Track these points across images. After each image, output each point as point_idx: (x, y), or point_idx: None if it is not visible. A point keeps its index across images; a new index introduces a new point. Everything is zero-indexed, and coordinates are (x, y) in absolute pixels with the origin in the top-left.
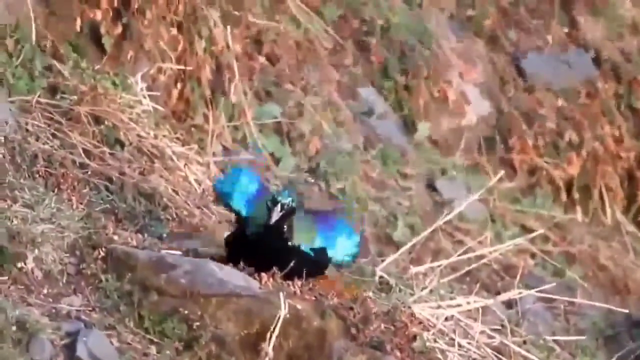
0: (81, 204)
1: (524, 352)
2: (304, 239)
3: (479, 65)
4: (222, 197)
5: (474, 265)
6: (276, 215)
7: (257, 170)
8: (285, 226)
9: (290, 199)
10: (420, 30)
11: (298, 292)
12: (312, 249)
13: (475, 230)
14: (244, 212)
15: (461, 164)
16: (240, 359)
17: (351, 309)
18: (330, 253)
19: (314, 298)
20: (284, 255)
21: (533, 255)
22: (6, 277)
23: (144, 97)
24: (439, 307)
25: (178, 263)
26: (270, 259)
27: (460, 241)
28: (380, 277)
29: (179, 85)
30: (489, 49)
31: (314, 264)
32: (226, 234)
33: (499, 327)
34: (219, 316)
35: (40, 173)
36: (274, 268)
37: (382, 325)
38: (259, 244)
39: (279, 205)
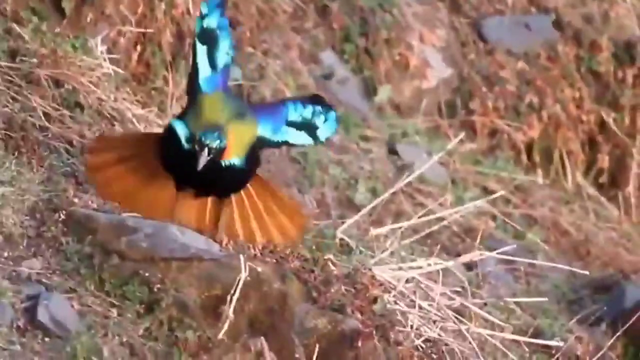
0: (41, 167)
1: (484, 314)
2: (238, 152)
3: (441, 29)
4: (201, 32)
5: (434, 227)
6: (203, 160)
7: None
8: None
9: (218, 140)
10: None
11: (259, 254)
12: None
13: (436, 192)
14: (202, 76)
15: (422, 128)
16: (201, 323)
17: (312, 271)
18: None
19: (274, 261)
20: (215, 180)
21: (494, 218)
22: None
23: (104, 60)
24: (399, 269)
25: (139, 226)
26: (200, 180)
27: (421, 203)
28: (341, 239)
29: (139, 49)
30: (450, 13)
31: (243, 176)
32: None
33: (460, 289)
34: (180, 280)
35: (0, 136)
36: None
37: (343, 288)
38: (188, 163)
39: (206, 150)
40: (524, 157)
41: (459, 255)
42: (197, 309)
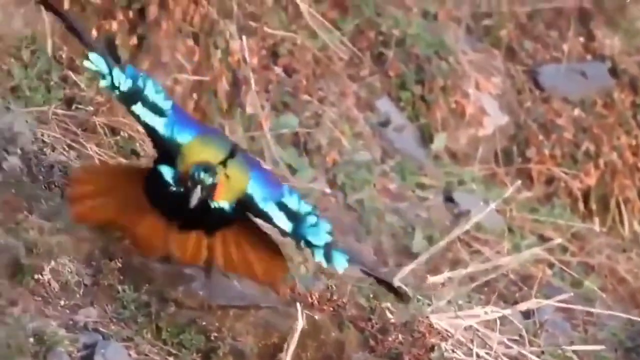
0: None
1: None
2: (228, 196)
3: (496, 77)
4: (123, 97)
5: (491, 276)
6: (196, 198)
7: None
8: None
9: (211, 178)
10: (437, 42)
11: (316, 303)
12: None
13: (493, 240)
14: (160, 129)
15: (479, 175)
16: None
17: (369, 319)
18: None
19: (331, 309)
20: (201, 218)
21: (551, 265)
22: (23, 289)
23: None
24: (456, 317)
25: (196, 274)
26: (182, 214)
27: (477, 251)
28: (398, 287)
29: (195, 96)
30: (506, 61)
31: (228, 220)
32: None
33: (517, 337)
34: (237, 328)
35: (57, 184)
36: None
37: (400, 336)
38: (176, 202)
39: (198, 188)
40: (580, 204)
41: (516, 303)
42: (254, 357)
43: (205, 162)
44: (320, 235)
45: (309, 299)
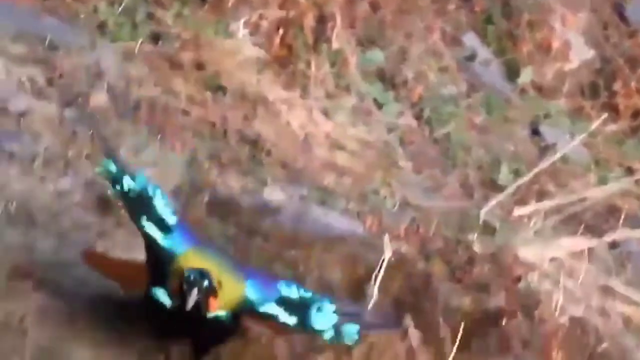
0: (185, 149)
1: (628, 293)
2: (223, 305)
3: (582, 12)
4: (130, 205)
5: (577, 208)
6: (192, 300)
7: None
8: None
9: (207, 280)
10: None
11: (402, 235)
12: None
13: (579, 173)
14: (164, 243)
15: (565, 109)
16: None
17: (456, 251)
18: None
19: (418, 241)
20: (195, 329)
21: (638, 197)
22: (111, 223)
23: (247, 44)
24: (543, 248)
25: (282, 207)
26: (180, 330)
27: (564, 184)
28: (484, 220)
29: (280, 32)
30: None
31: (227, 332)
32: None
33: (603, 268)
34: (324, 260)
35: (144, 119)
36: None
37: (487, 268)
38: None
39: (195, 290)
40: None
41: (602, 234)
42: (341, 289)
43: (199, 268)
44: (327, 320)
45: (395, 232)
